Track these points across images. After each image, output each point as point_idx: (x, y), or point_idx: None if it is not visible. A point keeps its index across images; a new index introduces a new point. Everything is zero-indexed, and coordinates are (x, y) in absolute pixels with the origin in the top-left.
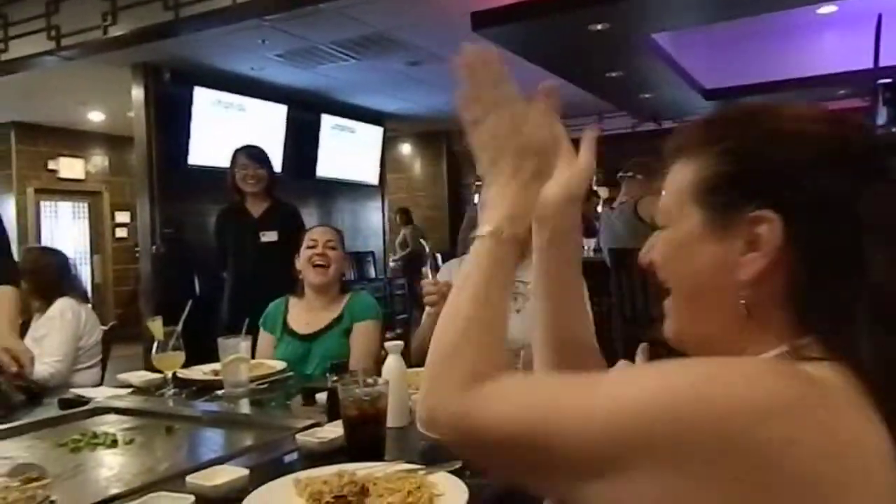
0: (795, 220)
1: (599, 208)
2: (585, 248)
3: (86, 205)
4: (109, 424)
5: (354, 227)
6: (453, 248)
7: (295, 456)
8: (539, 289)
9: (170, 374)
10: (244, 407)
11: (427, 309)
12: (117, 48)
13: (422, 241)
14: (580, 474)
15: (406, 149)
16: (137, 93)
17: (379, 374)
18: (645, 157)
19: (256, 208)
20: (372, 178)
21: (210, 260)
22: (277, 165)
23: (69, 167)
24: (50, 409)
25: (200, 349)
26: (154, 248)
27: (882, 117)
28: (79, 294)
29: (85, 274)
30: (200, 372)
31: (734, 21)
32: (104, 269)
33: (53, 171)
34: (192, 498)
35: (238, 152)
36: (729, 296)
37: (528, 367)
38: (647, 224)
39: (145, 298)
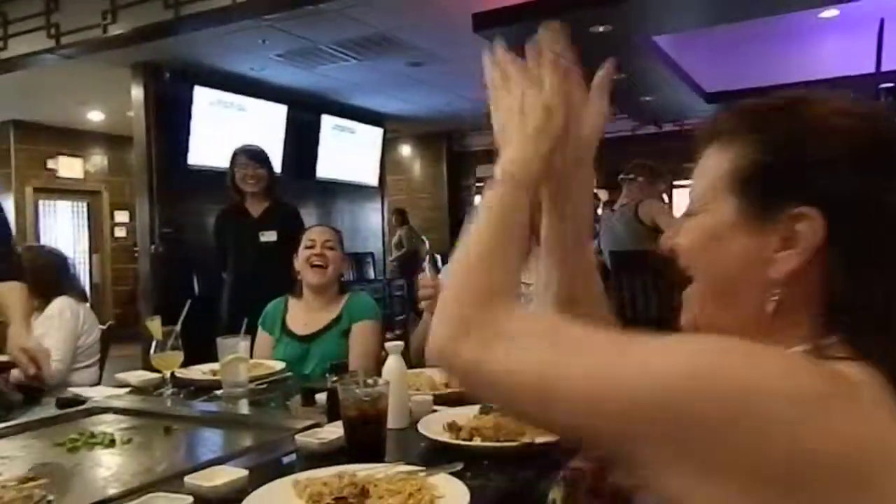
0: (837, 219)
1: (600, 211)
2: None
3: (85, 204)
4: (107, 424)
5: (354, 227)
6: (453, 248)
7: (294, 457)
8: (549, 240)
9: (168, 374)
10: (243, 407)
11: (425, 312)
12: (117, 47)
13: (422, 239)
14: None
15: (406, 150)
16: (137, 92)
17: (379, 374)
18: (646, 160)
19: (256, 208)
20: (372, 178)
21: (209, 260)
22: (277, 166)
23: (68, 166)
24: (48, 409)
25: (199, 349)
26: (153, 247)
27: None
28: (77, 293)
29: (83, 273)
30: (199, 372)
31: (736, 24)
32: (103, 269)
33: (52, 171)
34: (191, 499)
35: (238, 152)
36: (756, 291)
37: None
38: (647, 226)
39: (144, 298)
